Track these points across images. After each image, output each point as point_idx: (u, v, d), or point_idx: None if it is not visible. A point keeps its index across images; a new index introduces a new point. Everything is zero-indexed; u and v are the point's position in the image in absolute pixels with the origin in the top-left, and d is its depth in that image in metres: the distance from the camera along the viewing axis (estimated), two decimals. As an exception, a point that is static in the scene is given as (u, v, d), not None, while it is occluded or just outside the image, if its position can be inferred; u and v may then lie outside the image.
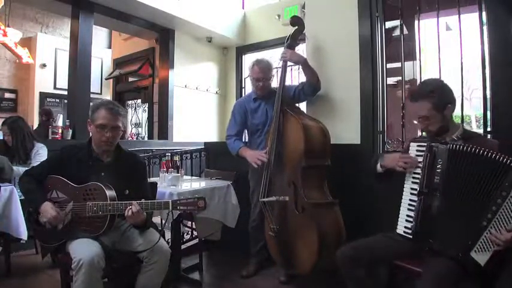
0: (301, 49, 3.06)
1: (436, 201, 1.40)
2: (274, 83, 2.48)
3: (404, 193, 1.53)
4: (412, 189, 1.50)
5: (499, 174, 1.25)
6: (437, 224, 1.39)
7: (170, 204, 1.55)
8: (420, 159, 1.47)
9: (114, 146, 1.71)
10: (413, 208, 1.47)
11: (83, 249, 1.45)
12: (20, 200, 2.19)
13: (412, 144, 1.54)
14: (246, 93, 2.81)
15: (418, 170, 1.48)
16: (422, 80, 1.64)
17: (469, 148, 1.33)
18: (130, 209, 1.51)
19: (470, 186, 1.31)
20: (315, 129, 2.14)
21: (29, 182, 1.65)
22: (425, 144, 1.46)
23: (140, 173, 1.81)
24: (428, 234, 1.41)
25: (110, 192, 1.58)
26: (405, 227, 1.48)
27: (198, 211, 1.60)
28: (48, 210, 1.54)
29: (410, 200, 1.49)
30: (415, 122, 1.59)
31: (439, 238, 1.38)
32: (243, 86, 5.51)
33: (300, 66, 2.40)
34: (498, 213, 1.23)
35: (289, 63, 2.36)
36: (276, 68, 2.76)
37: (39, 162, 1.96)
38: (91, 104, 1.76)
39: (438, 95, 1.46)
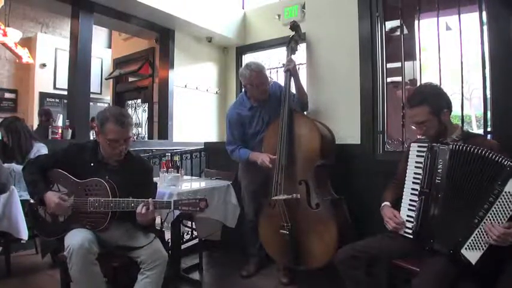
0: (302, 49, 3.05)
1: (437, 201, 1.40)
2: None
3: (404, 193, 1.54)
4: (412, 189, 1.50)
5: (494, 173, 1.26)
6: (438, 224, 1.39)
7: (172, 204, 1.54)
8: (421, 159, 1.48)
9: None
10: (413, 208, 1.47)
11: (74, 237, 1.47)
12: (20, 200, 2.19)
13: (413, 145, 1.55)
14: (236, 101, 2.61)
15: (419, 171, 1.48)
16: (418, 86, 1.65)
17: (469, 148, 1.34)
18: (145, 206, 1.51)
19: (468, 185, 1.32)
20: (325, 129, 2.22)
21: (33, 174, 1.64)
22: (426, 145, 1.47)
23: (146, 178, 1.78)
24: (429, 235, 1.41)
25: (112, 190, 1.58)
26: (406, 227, 1.49)
27: (199, 212, 1.59)
28: (51, 198, 1.56)
29: (410, 200, 1.50)
30: (413, 127, 1.59)
31: (439, 238, 1.38)
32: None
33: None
34: (490, 211, 1.25)
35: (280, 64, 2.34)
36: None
37: None
38: (98, 111, 1.68)
39: (435, 100, 1.47)
